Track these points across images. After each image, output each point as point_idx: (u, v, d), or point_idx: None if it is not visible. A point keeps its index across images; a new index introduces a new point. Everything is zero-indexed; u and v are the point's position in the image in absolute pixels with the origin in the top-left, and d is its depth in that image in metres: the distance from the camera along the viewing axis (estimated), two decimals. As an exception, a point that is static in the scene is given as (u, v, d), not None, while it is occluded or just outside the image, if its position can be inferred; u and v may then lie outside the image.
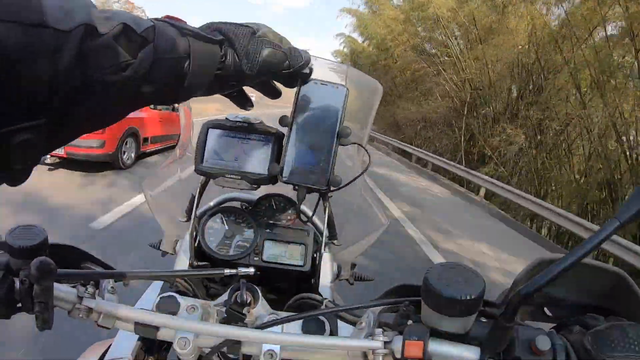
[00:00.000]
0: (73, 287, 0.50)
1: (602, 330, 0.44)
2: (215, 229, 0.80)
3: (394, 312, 0.52)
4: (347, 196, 0.83)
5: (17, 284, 0.47)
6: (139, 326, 0.52)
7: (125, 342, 0.69)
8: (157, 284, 0.77)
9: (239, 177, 0.69)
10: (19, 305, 0.48)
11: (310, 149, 0.64)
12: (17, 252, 0.47)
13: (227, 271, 0.60)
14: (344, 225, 0.89)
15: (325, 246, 0.81)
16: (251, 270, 0.62)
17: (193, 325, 0.49)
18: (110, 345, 0.71)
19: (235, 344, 0.51)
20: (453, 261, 0.46)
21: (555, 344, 0.44)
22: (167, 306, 0.57)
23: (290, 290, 0.82)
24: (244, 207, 0.86)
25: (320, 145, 0.64)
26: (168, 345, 0.80)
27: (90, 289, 0.50)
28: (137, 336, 0.70)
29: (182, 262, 0.81)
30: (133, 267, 0.57)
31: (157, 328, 0.52)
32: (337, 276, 0.85)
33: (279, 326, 0.53)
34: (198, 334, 0.50)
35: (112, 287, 0.53)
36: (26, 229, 0.49)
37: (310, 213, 0.79)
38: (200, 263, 0.80)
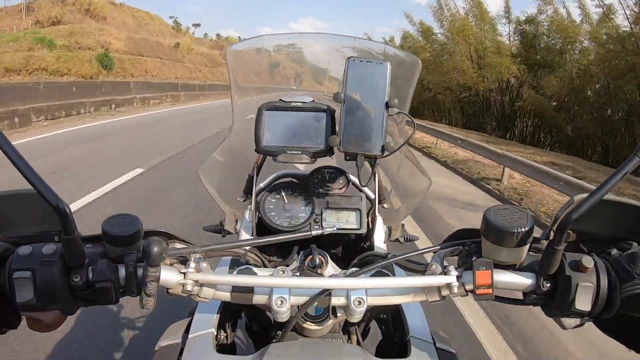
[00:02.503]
0: (171, 266, 0.54)
1: (637, 252, 0.52)
2: (275, 203, 0.86)
3: (455, 256, 0.59)
4: (393, 162, 0.89)
5: (121, 269, 0.52)
6: (236, 293, 0.57)
7: (206, 319, 0.76)
8: (225, 262, 0.82)
9: (299, 152, 0.76)
10: (122, 290, 0.52)
11: (362, 120, 0.71)
12: (117, 241, 0.52)
13: (313, 232, 0.66)
14: (392, 188, 0.96)
15: (377, 209, 0.87)
16: (334, 227, 0.69)
17: (290, 281, 0.54)
18: (190, 323, 0.77)
19: (327, 295, 0.57)
20: (504, 204, 0.53)
21: (597, 263, 0.52)
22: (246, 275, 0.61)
23: (347, 255, 0.88)
24: (296, 182, 0.91)
25: (371, 116, 0.70)
26: (235, 321, 0.87)
27: (193, 265, 0.54)
28: (216, 311, 0.77)
29: (245, 238, 0.85)
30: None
31: (252, 292, 0.57)
32: (388, 236, 0.91)
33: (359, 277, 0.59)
34: (292, 291, 0.56)
35: (205, 263, 0.57)
36: (121, 217, 0.53)
37: (360, 181, 0.85)
38: (270, 235, 0.87)
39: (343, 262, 0.78)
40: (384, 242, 0.88)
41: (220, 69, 33.74)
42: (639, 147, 0.46)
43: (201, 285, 0.55)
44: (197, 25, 42.69)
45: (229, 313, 0.83)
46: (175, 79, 25.85)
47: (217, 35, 44.47)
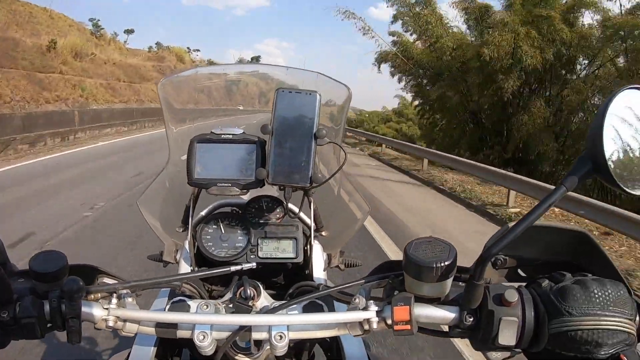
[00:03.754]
0: (96, 301, 0.56)
1: (567, 285, 0.51)
2: (212, 234, 0.85)
3: (382, 287, 0.60)
4: (329, 190, 0.90)
5: (46, 305, 0.53)
6: (160, 328, 0.58)
7: (144, 351, 0.75)
8: (164, 293, 0.82)
9: (230, 184, 0.75)
10: (49, 325, 0.53)
11: (291, 151, 0.71)
12: (43, 277, 0.53)
13: (233, 268, 0.66)
14: (330, 217, 0.96)
15: (314, 238, 0.88)
16: (254, 264, 0.69)
17: (209, 318, 0.56)
18: (128, 355, 0.76)
19: (247, 330, 0.58)
20: (427, 236, 0.54)
21: (523, 296, 0.52)
22: (179, 309, 0.63)
23: (287, 283, 0.88)
24: (235, 211, 0.91)
25: (299, 147, 0.71)
26: (179, 351, 0.86)
27: (115, 301, 0.56)
28: (153, 344, 0.76)
29: (185, 269, 0.86)
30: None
31: (175, 327, 0.58)
32: (327, 264, 0.92)
33: (284, 311, 0.60)
34: (214, 326, 0.57)
35: (131, 298, 0.59)
36: (47, 254, 0.54)
37: (296, 210, 0.86)
38: (201, 268, 0.86)
39: (284, 290, 0.78)
40: (324, 270, 0.88)
41: (149, 85, 23.45)
42: (565, 177, 0.48)
43: (124, 320, 0.56)
44: (130, 31, 32.94)
45: (170, 344, 0.81)
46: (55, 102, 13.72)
47: (157, 44, 36.82)
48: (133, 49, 30.45)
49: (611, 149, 0.47)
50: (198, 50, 45.73)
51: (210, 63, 34.75)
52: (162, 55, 32.27)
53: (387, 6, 15.04)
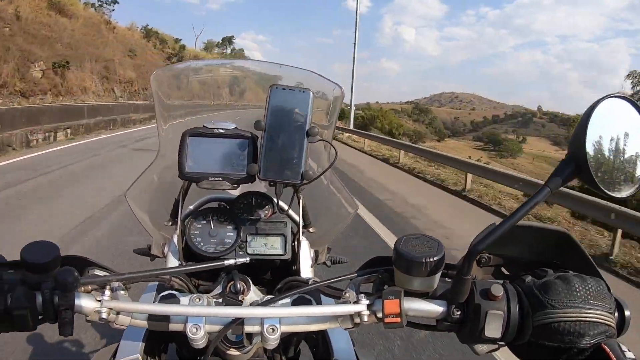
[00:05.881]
0: (88, 293, 0.56)
1: (550, 280, 0.53)
2: (200, 229, 0.85)
3: (371, 282, 0.61)
4: (318, 188, 0.91)
5: (38, 297, 0.52)
6: (152, 321, 0.58)
7: (132, 345, 0.75)
8: (152, 287, 0.81)
9: (221, 179, 0.76)
10: (41, 317, 0.53)
11: (283, 148, 0.72)
12: (35, 268, 0.52)
13: (226, 262, 0.66)
14: (318, 214, 0.97)
15: (302, 234, 0.88)
16: (247, 258, 0.69)
17: (203, 310, 0.56)
18: (116, 350, 0.76)
19: (239, 324, 0.58)
20: (416, 233, 0.56)
21: (508, 290, 0.54)
22: (170, 302, 0.63)
23: (275, 279, 0.89)
24: (223, 207, 0.91)
25: (291, 144, 0.72)
26: (165, 346, 0.86)
27: (108, 293, 0.55)
28: (141, 339, 0.76)
29: (172, 263, 0.85)
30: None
31: (168, 320, 0.58)
32: (315, 261, 0.93)
33: (276, 305, 0.61)
34: (207, 319, 0.57)
35: (123, 290, 0.58)
36: (39, 244, 0.54)
37: (285, 207, 0.86)
38: (195, 262, 0.86)
39: (272, 286, 0.79)
40: (311, 267, 0.89)
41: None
42: (549, 178, 0.51)
43: (117, 312, 0.56)
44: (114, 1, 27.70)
45: (157, 338, 0.81)
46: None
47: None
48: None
49: (593, 153, 0.50)
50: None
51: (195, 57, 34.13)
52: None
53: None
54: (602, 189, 0.49)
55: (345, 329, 0.58)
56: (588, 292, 0.51)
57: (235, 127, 0.78)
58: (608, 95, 0.50)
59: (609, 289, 0.53)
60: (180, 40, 39.71)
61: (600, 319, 0.50)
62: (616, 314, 0.52)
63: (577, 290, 0.51)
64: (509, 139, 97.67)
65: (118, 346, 0.76)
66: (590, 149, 0.49)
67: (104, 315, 0.54)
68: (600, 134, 0.50)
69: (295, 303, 0.66)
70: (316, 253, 0.94)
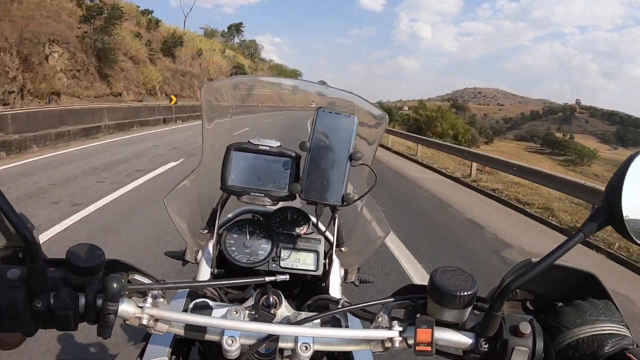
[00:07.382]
0: (129, 299, 0.57)
1: (562, 307, 0.57)
2: (236, 239, 0.88)
3: (402, 309, 0.62)
4: (352, 208, 0.93)
5: (81, 299, 0.54)
6: (189, 330, 0.60)
7: (159, 350, 0.76)
8: (183, 293, 0.84)
9: (262, 195, 0.78)
10: (81, 317, 0.54)
11: (325, 170, 0.74)
12: (79, 270, 0.53)
13: (267, 278, 0.68)
14: (350, 233, 0.99)
15: (334, 253, 0.90)
16: (286, 276, 0.71)
17: (240, 325, 0.58)
18: (144, 348, 0.78)
19: (273, 340, 0.60)
20: (452, 266, 0.57)
21: (536, 328, 0.56)
22: (204, 311, 0.65)
23: (303, 293, 0.90)
24: (259, 220, 0.94)
25: (334, 166, 0.74)
26: (189, 349, 0.88)
27: (150, 300, 0.57)
28: (169, 344, 0.78)
29: (204, 270, 0.87)
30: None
31: (204, 330, 0.60)
32: (344, 279, 0.94)
33: (309, 323, 0.62)
34: (242, 332, 0.59)
35: (162, 297, 0.60)
36: (85, 247, 0.55)
37: (323, 228, 0.88)
38: (221, 270, 0.89)
39: (298, 299, 0.80)
40: (340, 285, 0.91)
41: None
42: (585, 223, 0.52)
43: (156, 320, 0.57)
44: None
45: (184, 341, 0.83)
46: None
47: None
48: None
49: (628, 205, 0.50)
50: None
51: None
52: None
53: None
54: (635, 240, 0.51)
55: (375, 352, 0.59)
56: (597, 310, 0.55)
57: (280, 146, 0.80)
58: None
59: (617, 309, 0.56)
60: (152, 12, 28.80)
61: (613, 330, 0.53)
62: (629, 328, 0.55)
63: (587, 310, 0.56)
64: (564, 139, 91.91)
65: (144, 348, 0.78)
66: (625, 200, 0.50)
67: (144, 322, 0.56)
68: (637, 186, 0.51)
69: (325, 321, 0.67)
70: (346, 272, 0.95)
